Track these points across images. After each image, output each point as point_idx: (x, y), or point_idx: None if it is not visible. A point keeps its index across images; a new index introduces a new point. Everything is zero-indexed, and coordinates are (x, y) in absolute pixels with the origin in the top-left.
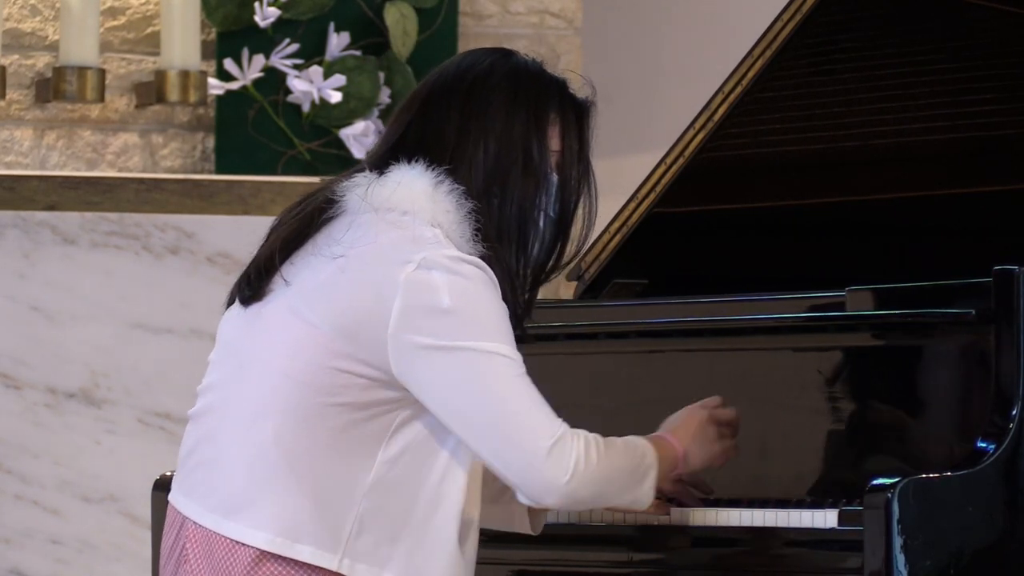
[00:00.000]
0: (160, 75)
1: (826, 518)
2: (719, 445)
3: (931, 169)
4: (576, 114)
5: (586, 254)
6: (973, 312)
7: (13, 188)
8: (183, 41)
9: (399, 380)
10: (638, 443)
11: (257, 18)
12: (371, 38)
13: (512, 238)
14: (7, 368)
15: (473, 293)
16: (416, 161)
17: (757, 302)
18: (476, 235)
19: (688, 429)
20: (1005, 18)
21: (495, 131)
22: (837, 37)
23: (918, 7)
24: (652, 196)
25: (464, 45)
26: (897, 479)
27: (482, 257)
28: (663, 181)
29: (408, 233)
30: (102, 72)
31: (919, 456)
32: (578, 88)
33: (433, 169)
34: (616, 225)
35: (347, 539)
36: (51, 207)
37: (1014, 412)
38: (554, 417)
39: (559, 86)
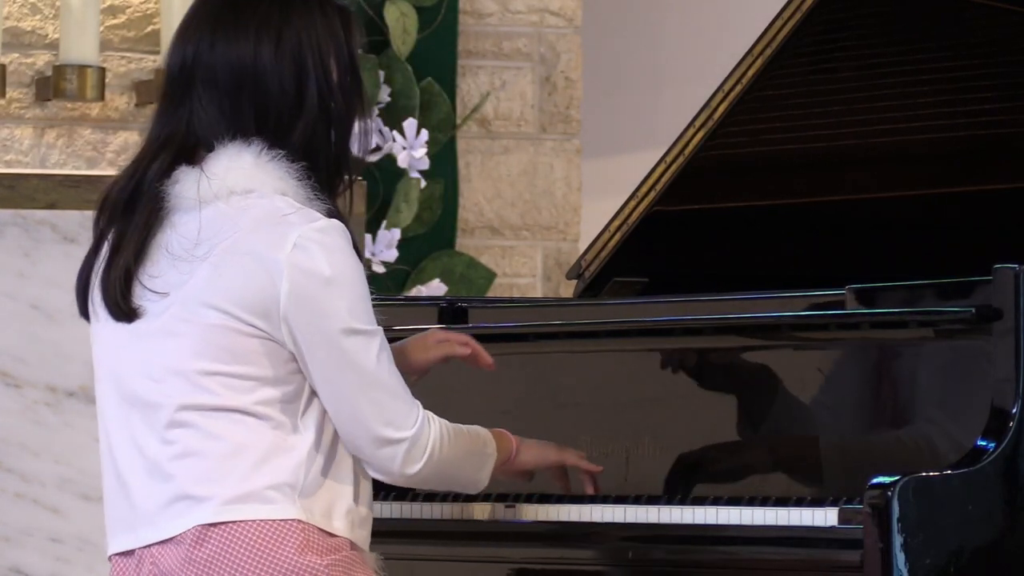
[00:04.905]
0: (160, 73)
1: (826, 516)
2: (555, 453)
3: (931, 167)
4: (343, 26)
5: (587, 253)
6: (973, 310)
7: (13, 186)
8: None
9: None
10: (481, 432)
11: None
12: (371, 36)
13: (323, 167)
14: (7, 366)
15: (350, 266)
16: (221, 131)
17: (757, 300)
18: (315, 194)
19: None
20: (1005, 17)
21: (291, 72)
22: (837, 36)
23: (918, 6)
24: (652, 195)
25: (464, 43)
26: (897, 477)
27: (330, 214)
28: (663, 180)
29: (264, 211)
30: (102, 70)
31: (919, 454)
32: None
33: (248, 142)
34: (616, 223)
35: (300, 498)
36: (51, 205)
37: (1014, 411)
38: (413, 402)
39: (321, 6)
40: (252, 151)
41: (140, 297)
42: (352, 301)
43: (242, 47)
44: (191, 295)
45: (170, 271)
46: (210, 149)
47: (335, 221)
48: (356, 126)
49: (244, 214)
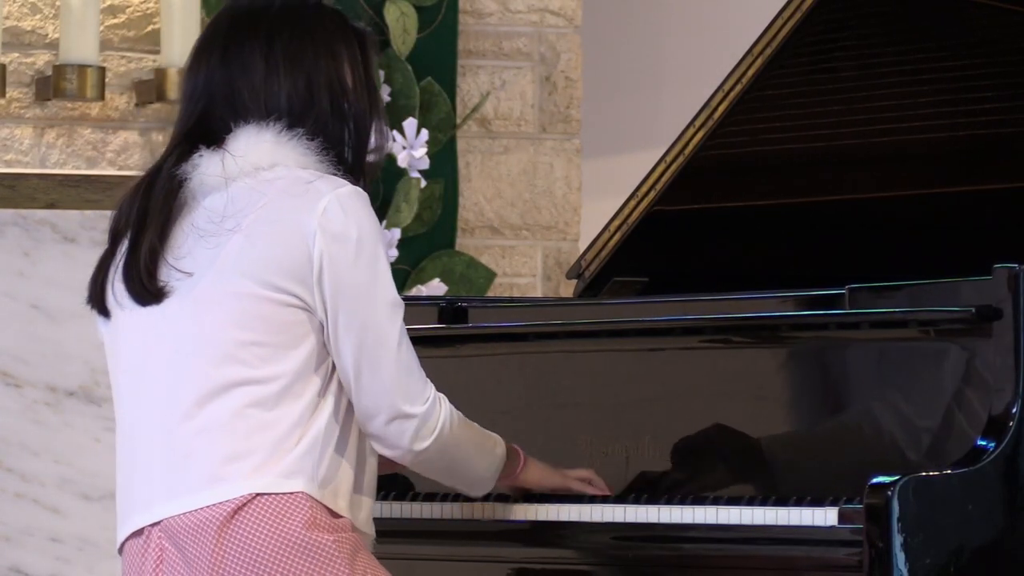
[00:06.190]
0: (160, 73)
1: (826, 516)
2: (560, 476)
3: (931, 167)
4: (360, 45)
5: (586, 252)
6: (973, 310)
7: (13, 186)
8: (183, 39)
9: (322, 322)
10: (491, 433)
11: None
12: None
13: (335, 170)
14: (7, 366)
15: (376, 231)
16: (243, 122)
17: (757, 300)
18: (335, 168)
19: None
20: (1005, 17)
21: (301, 73)
22: (837, 36)
23: (918, 5)
24: (652, 194)
25: (464, 43)
26: (897, 477)
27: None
28: (663, 179)
29: (290, 181)
30: (102, 70)
31: (919, 454)
32: (353, 18)
33: (264, 124)
34: (616, 223)
35: (314, 473)
36: (51, 205)
37: (1014, 410)
38: (426, 380)
39: (339, 19)
40: (272, 130)
41: (167, 276)
42: (380, 265)
43: (254, 56)
44: (224, 267)
45: (198, 248)
46: (227, 132)
47: (359, 188)
48: (372, 139)
49: (271, 185)
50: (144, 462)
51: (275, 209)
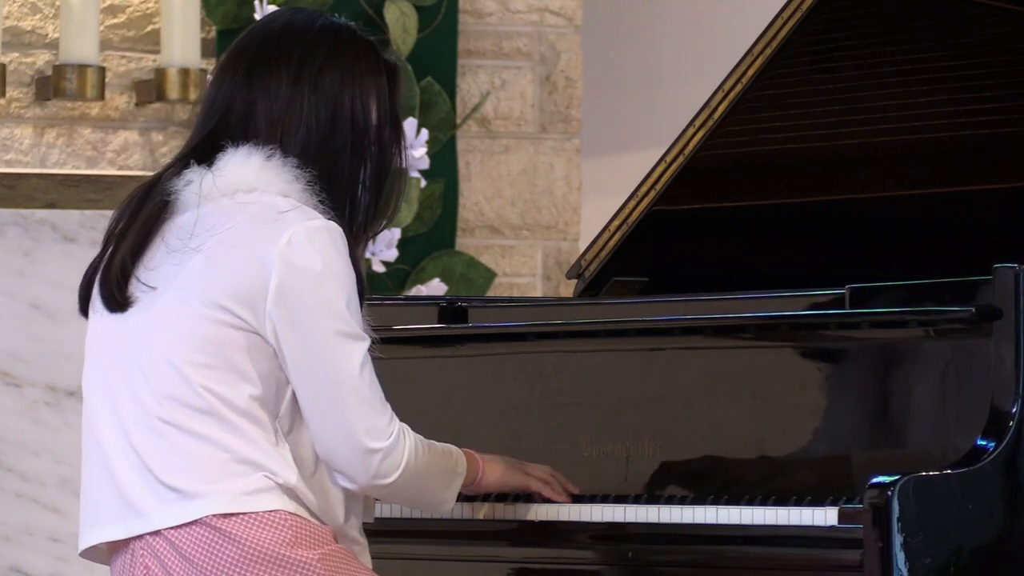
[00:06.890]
0: (160, 73)
1: (826, 516)
2: (519, 477)
3: (931, 167)
4: (389, 79)
5: (586, 252)
6: (973, 310)
7: (13, 186)
8: (183, 39)
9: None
10: (453, 451)
11: (257, 16)
12: (371, 36)
13: (344, 204)
14: (7, 366)
15: (341, 267)
16: (242, 142)
17: (757, 300)
18: (321, 204)
19: (496, 456)
20: (1005, 16)
21: (325, 104)
22: (837, 35)
23: (918, 6)
24: (652, 194)
25: (464, 43)
26: (897, 477)
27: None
28: (663, 179)
29: (262, 207)
30: (102, 70)
31: (919, 454)
32: (385, 50)
33: (261, 147)
34: (616, 223)
35: (284, 492)
36: (51, 205)
37: (1014, 410)
38: (390, 413)
39: (372, 51)
40: (262, 153)
41: (135, 288)
42: (340, 301)
43: (281, 82)
44: (182, 285)
45: (165, 263)
46: (224, 151)
47: (332, 223)
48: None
49: (243, 209)
50: (115, 470)
51: (240, 234)
